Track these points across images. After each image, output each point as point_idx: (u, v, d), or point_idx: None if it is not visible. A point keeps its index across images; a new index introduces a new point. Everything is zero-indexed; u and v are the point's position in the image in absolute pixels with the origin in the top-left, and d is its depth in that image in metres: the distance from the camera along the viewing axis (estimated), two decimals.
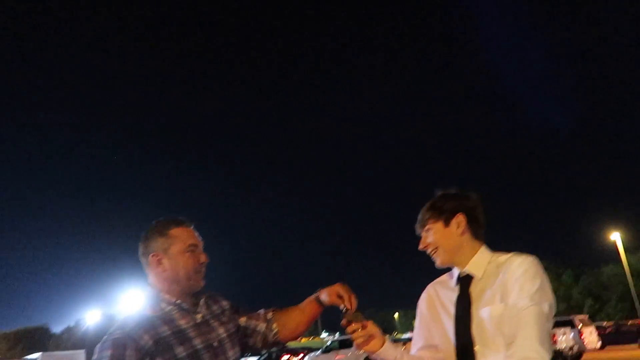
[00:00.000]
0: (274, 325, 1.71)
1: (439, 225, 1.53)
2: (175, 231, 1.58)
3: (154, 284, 1.58)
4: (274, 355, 33.27)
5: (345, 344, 22.64)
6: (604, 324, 31.77)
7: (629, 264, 44.04)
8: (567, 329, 20.42)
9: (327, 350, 23.48)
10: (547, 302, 1.36)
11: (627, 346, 25.96)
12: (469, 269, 1.50)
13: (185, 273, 1.54)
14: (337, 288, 1.66)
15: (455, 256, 1.52)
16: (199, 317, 1.55)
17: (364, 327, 1.49)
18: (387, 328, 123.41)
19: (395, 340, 26.44)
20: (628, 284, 43.07)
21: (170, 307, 1.53)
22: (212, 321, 1.57)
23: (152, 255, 1.57)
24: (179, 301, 1.54)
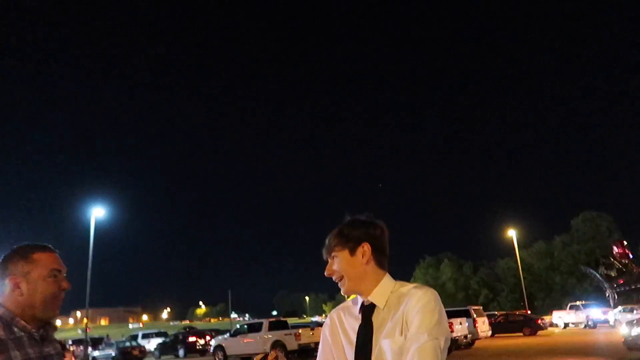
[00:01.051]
0: None
1: (345, 253, 1.53)
2: (39, 256, 1.54)
3: (9, 308, 1.52)
4: (180, 337, 32.76)
5: (253, 328, 22.68)
6: (496, 313, 34.37)
7: (521, 259, 48.08)
8: (463, 319, 21.88)
9: (236, 333, 23.37)
10: (444, 336, 1.38)
11: (514, 334, 28.37)
12: (372, 298, 1.50)
13: (42, 299, 1.52)
14: None
15: (359, 285, 1.52)
16: (45, 351, 1.54)
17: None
18: (298, 311, 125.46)
19: (305, 325, 26.86)
20: (519, 277, 47.07)
21: (22, 334, 1.50)
22: (56, 358, 1.59)
23: (10, 279, 1.52)
24: (33, 330, 1.52)
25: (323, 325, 1.64)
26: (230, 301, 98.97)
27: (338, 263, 1.54)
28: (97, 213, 36.04)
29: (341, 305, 1.64)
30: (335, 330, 1.57)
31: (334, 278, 1.57)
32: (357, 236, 1.53)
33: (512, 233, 47.64)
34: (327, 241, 1.58)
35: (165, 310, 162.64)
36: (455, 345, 18.77)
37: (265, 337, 21.45)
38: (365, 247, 1.52)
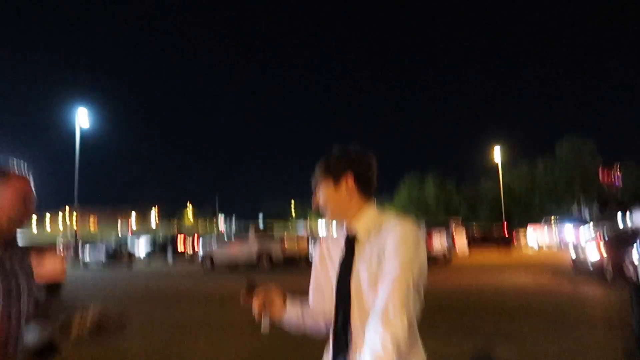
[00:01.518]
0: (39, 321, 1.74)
1: (329, 185, 1.59)
2: (15, 180, 1.59)
3: None
4: (169, 243, 33.84)
5: (241, 238, 23.43)
6: (474, 230, 35.75)
7: (503, 180, 49.22)
8: (443, 233, 22.79)
9: (222, 242, 24.16)
10: (418, 268, 1.44)
11: (489, 249, 29.84)
12: (355, 229, 1.56)
13: (7, 219, 1.57)
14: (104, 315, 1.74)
15: (343, 215, 1.59)
16: (7, 262, 1.57)
17: (263, 296, 1.59)
18: (284, 215, 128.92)
19: (291, 236, 27.70)
20: (500, 197, 48.46)
21: None
22: (19, 271, 1.60)
23: None
24: None
25: (314, 252, 1.73)
26: (218, 204, 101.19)
27: (323, 194, 1.60)
28: (83, 111, 35.90)
29: (329, 235, 1.71)
30: (324, 257, 1.66)
31: (320, 208, 1.64)
32: (341, 169, 1.58)
33: (496, 154, 48.37)
34: (315, 172, 1.64)
35: (153, 209, 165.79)
36: (433, 262, 19.66)
37: (252, 247, 22.24)
38: (349, 180, 1.56)
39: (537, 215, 45.98)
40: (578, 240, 15.02)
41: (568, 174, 51.72)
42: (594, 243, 13.05)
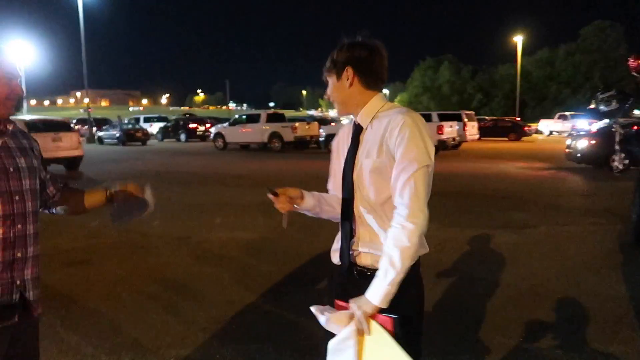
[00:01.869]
0: (59, 195, 1.82)
1: (333, 78, 1.61)
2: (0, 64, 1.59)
3: None
4: (181, 123, 34.04)
5: (252, 119, 23.55)
6: (486, 118, 35.38)
7: (521, 66, 47.44)
8: (455, 123, 22.68)
9: (235, 123, 24.30)
10: (431, 159, 1.50)
11: (499, 139, 29.81)
12: (358, 119, 1.61)
13: None
14: (130, 187, 1.85)
15: (347, 108, 1.63)
16: (0, 140, 1.58)
17: (283, 195, 1.67)
18: (295, 104, 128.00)
19: (302, 119, 27.73)
20: (516, 83, 47.09)
21: None
22: (15, 149, 1.61)
23: None
24: None
25: (332, 141, 1.81)
26: (228, 90, 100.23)
27: (329, 87, 1.65)
28: None
29: (347, 124, 1.77)
30: (338, 144, 1.75)
31: (331, 101, 1.70)
32: (342, 60, 1.59)
33: (517, 39, 46.13)
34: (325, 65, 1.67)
35: (164, 95, 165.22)
36: (443, 146, 19.79)
37: (263, 128, 22.45)
38: (349, 71, 1.58)
39: (552, 104, 45.09)
40: (588, 130, 14.81)
41: (590, 60, 49.57)
42: (602, 133, 12.99)
